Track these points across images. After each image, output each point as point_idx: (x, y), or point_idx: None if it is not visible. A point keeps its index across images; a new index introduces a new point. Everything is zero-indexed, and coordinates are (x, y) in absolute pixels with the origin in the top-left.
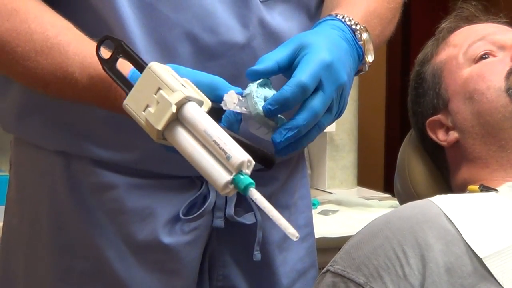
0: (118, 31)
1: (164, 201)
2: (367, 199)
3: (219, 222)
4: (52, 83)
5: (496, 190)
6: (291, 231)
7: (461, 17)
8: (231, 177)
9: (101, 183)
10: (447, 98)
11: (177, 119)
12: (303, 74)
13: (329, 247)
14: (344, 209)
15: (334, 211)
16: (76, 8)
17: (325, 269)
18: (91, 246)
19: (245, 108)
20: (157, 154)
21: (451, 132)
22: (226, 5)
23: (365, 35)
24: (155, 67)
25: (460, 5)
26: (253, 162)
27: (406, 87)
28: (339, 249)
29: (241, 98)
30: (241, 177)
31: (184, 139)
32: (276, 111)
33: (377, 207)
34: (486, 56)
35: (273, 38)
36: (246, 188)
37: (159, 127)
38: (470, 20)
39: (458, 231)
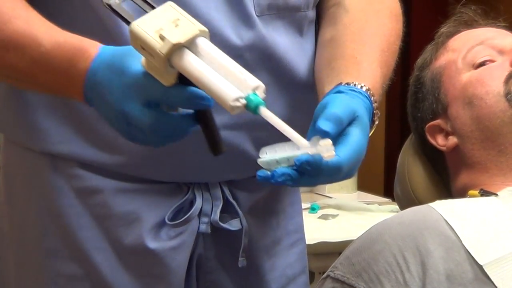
0: (116, 31)
1: (150, 206)
2: (367, 204)
3: (205, 228)
4: (11, 50)
5: (496, 194)
6: (303, 143)
7: (460, 21)
8: (245, 94)
9: (87, 187)
10: (446, 103)
11: (190, 48)
12: (346, 156)
13: (329, 252)
14: (344, 213)
15: (334, 216)
16: (73, 7)
17: (325, 274)
18: (78, 249)
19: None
20: (144, 158)
21: (451, 137)
22: (222, 14)
23: (377, 121)
24: (174, 4)
25: (459, 9)
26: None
27: (406, 92)
28: (340, 254)
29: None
30: (254, 96)
31: (196, 61)
32: (306, 171)
33: (377, 211)
34: (486, 63)
35: (267, 53)
36: (258, 106)
37: (182, 40)
38: (469, 24)
39: (458, 237)
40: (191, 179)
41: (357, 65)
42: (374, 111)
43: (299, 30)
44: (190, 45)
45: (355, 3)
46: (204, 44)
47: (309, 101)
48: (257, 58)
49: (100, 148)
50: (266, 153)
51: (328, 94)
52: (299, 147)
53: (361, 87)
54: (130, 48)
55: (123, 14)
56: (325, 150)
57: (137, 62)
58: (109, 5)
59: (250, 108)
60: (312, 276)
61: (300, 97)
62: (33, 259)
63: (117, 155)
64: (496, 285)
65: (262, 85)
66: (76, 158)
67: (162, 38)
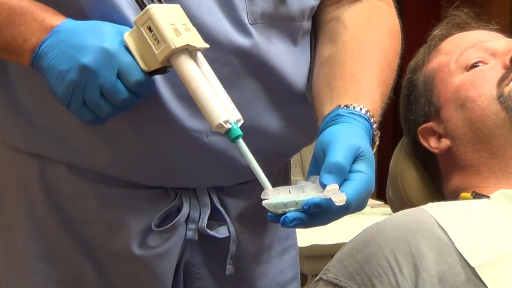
0: None
1: (137, 212)
2: None
3: (192, 234)
4: None
5: (489, 197)
6: (268, 186)
7: (453, 24)
8: (233, 120)
9: (74, 190)
10: (439, 105)
11: (192, 56)
12: (354, 194)
13: (322, 255)
14: None
15: None
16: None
17: (318, 277)
18: (67, 253)
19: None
20: (131, 161)
21: (443, 140)
22: (214, 19)
23: (377, 142)
24: (181, 8)
25: (452, 12)
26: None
27: (398, 95)
28: (332, 257)
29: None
30: (237, 126)
31: (197, 70)
32: (316, 214)
33: (370, 214)
34: (478, 64)
35: (259, 61)
36: (239, 136)
37: (197, 45)
38: (462, 27)
39: (451, 239)
40: (178, 184)
41: (356, 85)
42: (374, 133)
43: (293, 40)
44: (195, 53)
45: (354, 19)
46: (204, 60)
47: (303, 114)
48: (248, 66)
49: (87, 150)
50: (269, 195)
51: (327, 117)
52: (303, 189)
53: (360, 109)
54: (110, 23)
55: None
56: (334, 194)
57: (119, 35)
58: None
59: (232, 134)
60: (304, 278)
61: (294, 109)
62: (22, 261)
63: (104, 157)
64: (489, 287)
65: (242, 120)
66: (63, 160)
67: (177, 32)
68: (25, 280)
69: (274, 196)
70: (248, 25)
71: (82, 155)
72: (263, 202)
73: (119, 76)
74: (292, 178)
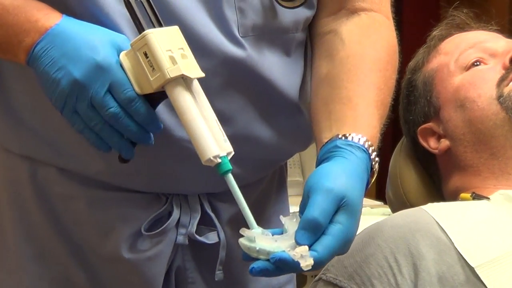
0: None
1: (127, 215)
2: None
3: (182, 239)
4: None
5: (488, 198)
6: (254, 225)
7: (452, 24)
8: (223, 154)
9: (65, 193)
10: (439, 106)
11: (187, 85)
12: (325, 253)
13: None
14: None
15: None
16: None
17: (317, 277)
18: (58, 255)
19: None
20: (122, 167)
21: (443, 140)
22: (208, 30)
23: (376, 170)
24: (179, 30)
25: (451, 12)
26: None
27: (398, 95)
28: None
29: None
30: (227, 160)
31: (191, 101)
32: (282, 267)
33: (369, 214)
34: (478, 63)
35: (251, 72)
36: (228, 171)
37: (191, 76)
38: (462, 27)
39: (450, 240)
40: (169, 190)
41: (354, 111)
42: (373, 163)
43: (286, 51)
44: (191, 81)
45: (352, 33)
46: (199, 88)
47: (296, 124)
48: (240, 77)
49: (79, 156)
50: (245, 234)
51: (325, 146)
52: (276, 239)
53: (359, 139)
54: (105, 30)
55: (140, 17)
56: (302, 257)
57: (113, 46)
58: (130, 3)
59: (221, 169)
60: (304, 279)
61: (286, 119)
62: (13, 262)
63: (95, 164)
64: (488, 287)
65: (233, 152)
66: (54, 163)
67: (173, 61)
68: (16, 281)
69: (250, 237)
70: (239, 37)
71: (74, 160)
72: (239, 240)
73: (111, 90)
74: (291, 178)
